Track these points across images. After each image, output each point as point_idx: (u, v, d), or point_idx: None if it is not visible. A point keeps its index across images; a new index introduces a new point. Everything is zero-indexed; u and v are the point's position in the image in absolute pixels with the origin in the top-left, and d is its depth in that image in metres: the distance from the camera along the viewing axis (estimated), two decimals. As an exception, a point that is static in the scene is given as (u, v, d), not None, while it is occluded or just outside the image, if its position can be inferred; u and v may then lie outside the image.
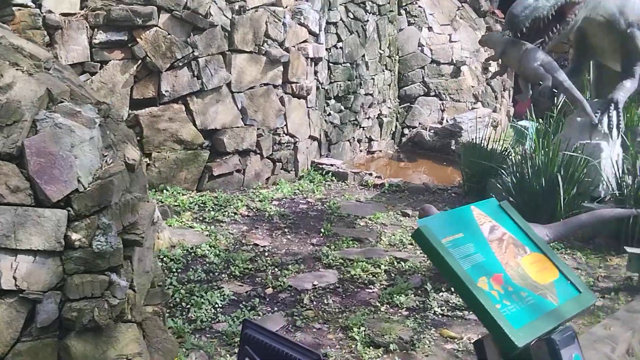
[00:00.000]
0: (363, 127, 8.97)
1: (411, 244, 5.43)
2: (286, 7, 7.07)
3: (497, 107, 11.32)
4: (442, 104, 10.39)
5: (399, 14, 9.87)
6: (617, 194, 6.01)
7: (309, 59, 7.30)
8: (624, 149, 6.44)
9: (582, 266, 5.26)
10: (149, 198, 3.61)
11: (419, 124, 10.24)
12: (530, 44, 5.83)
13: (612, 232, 5.74)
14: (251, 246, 5.23)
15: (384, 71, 9.27)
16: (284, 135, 7.13)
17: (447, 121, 10.14)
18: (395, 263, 5.01)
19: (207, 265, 4.76)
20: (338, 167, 7.61)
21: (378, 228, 5.88)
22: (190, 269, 4.65)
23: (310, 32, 7.37)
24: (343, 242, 5.43)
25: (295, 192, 6.84)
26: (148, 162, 6.11)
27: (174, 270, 4.61)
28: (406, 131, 10.24)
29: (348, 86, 8.40)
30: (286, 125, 7.13)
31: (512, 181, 6.34)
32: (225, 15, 6.41)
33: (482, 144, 7.13)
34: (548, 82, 5.71)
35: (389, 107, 9.63)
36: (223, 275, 4.62)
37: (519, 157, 6.43)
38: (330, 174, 7.52)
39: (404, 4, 9.90)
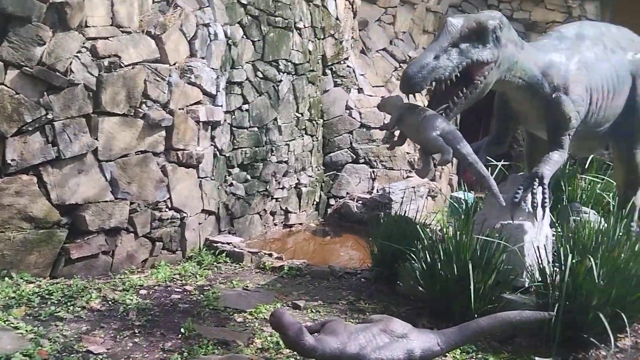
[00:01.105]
0: (276, 198, 8.12)
1: (288, 349, 4.49)
2: (174, 64, 6.28)
3: (437, 175, 10.57)
4: (373, 172, 9.60)
5: (324, 73, 9.16)
6: (541, 285, 5.18)
7: (201, 123, 6.48)
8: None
9: (489, 379, 4.38)
10: None
11: (347, 193, 9.43)
12: (430, 109, 5.06)
13: (535, 330, 4.91)
14: (81, 354, 4.25)
15: (302, 136, 8.48)
16: (167, 210, 6.24)
17: (377, 191, 9.33)
18: (255, 378, 4.08)
19: (7, 385, 3.78)
20: (235, 247, 6.71)
21: (256, 326, 4.95)
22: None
23: (205, 93, 6.57)
24: (203, 346, 4.48)
25: (173, 278, 5.91)
26: (-14, 243, 5.17)
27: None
28: (332, 202, 9.41)
29: (256, 153, 7.57)
30: (170, 198, 6.25)
31: (422, 268, 5.49)
32: (90, 73, 5.58)
33: (398, 220, 6.30)
34: (447, 156, 4.90)
35: (310, 176, 8.80)
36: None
37: (428, 240, 5.58)
38: (224, 254, 6.62)
39: (329, 64, 9.19)
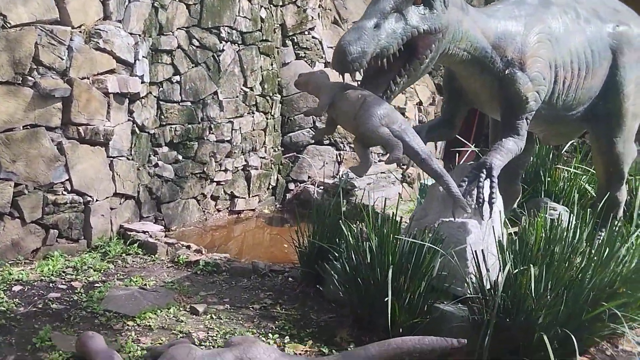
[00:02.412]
0: (218, 182, 7.35)
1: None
2: (79, 26, 5.52)
3: (414, 160, 9.73)
4: (339, 154, 8.80)
5: (284, 44, 8.33)
6: (480, 296, 4.41)
7: (111, 95, 5.73)
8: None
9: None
10: None
11: (309, 177, 8.64)
12: (370, 92, 4.25)
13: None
14: None
15: (252, 113, 7.69)
16: (66, 193, 5.52)
17: (341, 176, 8.54)
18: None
19: None
20: (150, 236, 5.97)
21: (132, 336, 4.20)
22: None
23: (119, 61, 5.83)
24: (49, 363, 3.76)
25: (63, 272, 5.21)
26: None
27: None
28: (292, 186, 8.63)
29: (189, 130, 6.80)
30: (69, 179, 5.52)
31: (343, 270, 4.73)
32: (-37, 31, 4.84)
33: (335, 210, 5.52)
34: (397, 152, 4.09)
35: (263, 157, 8.02)
36: None
37: (353, 238, 4.80)
38: (137, 244, 5.89)
39: (290, 34, 8.36)
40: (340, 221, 4.92)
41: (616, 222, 5.87)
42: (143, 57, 6.09)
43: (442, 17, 4.19)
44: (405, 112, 9.52)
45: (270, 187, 8.31)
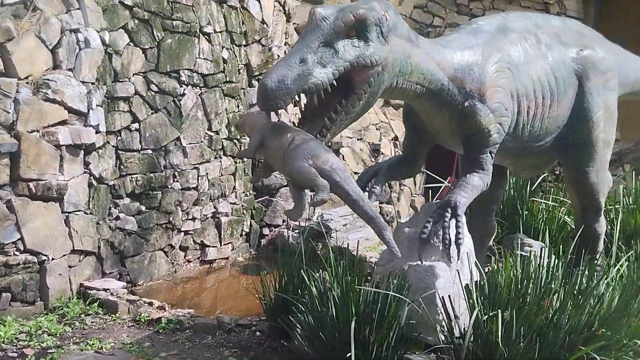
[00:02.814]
0: (186, 232, 7.12)
1: None
2: (25, 77, 5.34)
3: (393, 196, 9.55)
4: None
5: (250, 85, 8.17)
6: (450, 345, 4.18)
7: (62, 147, 5.53)
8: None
9: None
10: None
11: (283, 221, 8.41)
12: (301, 130, 4.06)
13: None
14: None
15: (219, 158, 7.49)
16: (18, 253, 5.28)
17: (316, 218, 8.32)
18: None
19: None
20: (111, 294, 5.73)
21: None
22: None
23: (72, 111, 5.64)
24: None
25: (15, 338, 4.96)
26: None
27: None
28: (267, 231, 8.40)
29: (151, 179, 6.58)
30: (21, 239, 5.28)
31: (308, 322, 4.49)
32: None
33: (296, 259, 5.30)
34: (323, 194, 3.87)
35: (234, 203, 7.81)
36: None
37: (317, 288, 4.57)
38: (97, 303, 5.65)
39: (256, 74, 8.20)
40: (302, 270, 4.70)
41: (596, 256, 5.70)
42: (97, 105, 5.90)
43: (379, 50, 3.99)
44: (380, 148, 9.37)
45: (244, 233, 8.08)
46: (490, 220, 5.86)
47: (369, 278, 4.92)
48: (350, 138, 9.09)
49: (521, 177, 6.52)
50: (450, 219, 4.44)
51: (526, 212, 6.85)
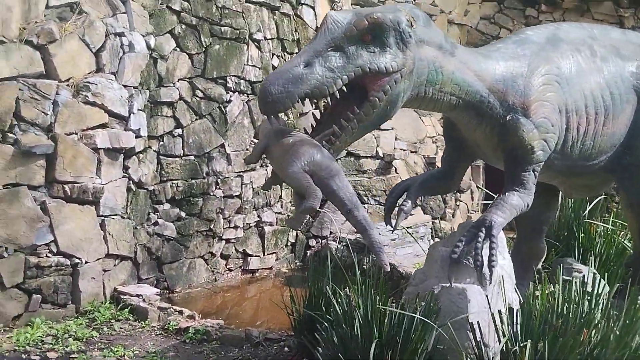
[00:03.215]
0: (227, 240, 7.04)
1: None
2: (67, 80, 5.37)
3: (448, 212, 9.25)
4: (364, 208, 8.37)
5: (302, 94, 8.03)
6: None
7: (101, 150, 5.53)
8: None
9: None
10: None
11: (330, 233, 8.25)
12: (305, 136, 3.88)
13: None
14: None
15: (266, 166, 7.39)
16: (51, 255, 5.29)
17: (364, 231, 8.10)
18: None
19: None
20: (143, 300, 5.68)
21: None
22: None
23: (113, 115, 5.64)
24: None
25: (41, 341, 4.94)
26: None
27: None
28: (313, 242, 8.25)
29: (192, 186, 6.54)
30: (55, 241, 5.29)
31: (334, 340, 4.31)
32: (-62, 89, 4.73)
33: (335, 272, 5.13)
34: (312, 201, 3.66)
35: (279, 213, 7.69)
36: None
37: (342, 307, 4.38)
38: (129, 309, 5.61)
39: (308, 82, 8.06)
40: (328, 287, 4.52)
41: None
42: (139, 109, 5.89)
43: (397, 57, 3.76)
44: (435, 161, 9.10)
45: (289, 243, 7.95)
46: (539, 243, 5.52)
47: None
48: (404, 150, 8.86)
49: (572, 197, 6.15)
50: (484, 240, 4.17)
51: (582, 235, 6.46)
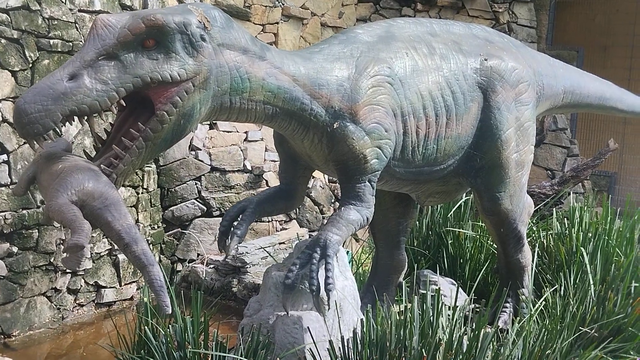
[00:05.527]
0: (75, 272, 6.49)
1: None
2: None
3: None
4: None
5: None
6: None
7: None
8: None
9: None
10: None
11: (198, 255, 7.81)
12: (80, 159, 3.45)
13: None
14: None
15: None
16: None
17: (234, 251, 7.71)
18: None
19: None
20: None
21: None
22: None
23: None
24: None
25: None
26: None
27: None
28: (179, 267, 7.79)
29: (23, 217, 5.96)
30: None
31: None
32: None
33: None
34: (78, 237, 3.21)
35: (136, 238, 7.17)
36: None
37: (162, 344, 3.98)
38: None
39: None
40: (147, 327, 4.10)
41: (523, 291, 5.17)
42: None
43: (187, 63, 3.40)
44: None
45: (152, 270, 7.44)
46: (399, 254, 5.29)
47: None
48: (275, 162, 8.51)
49: (428, 205, 5.94)
50: (319, 261, 3.86)
51: (451, 241, 6.27)
